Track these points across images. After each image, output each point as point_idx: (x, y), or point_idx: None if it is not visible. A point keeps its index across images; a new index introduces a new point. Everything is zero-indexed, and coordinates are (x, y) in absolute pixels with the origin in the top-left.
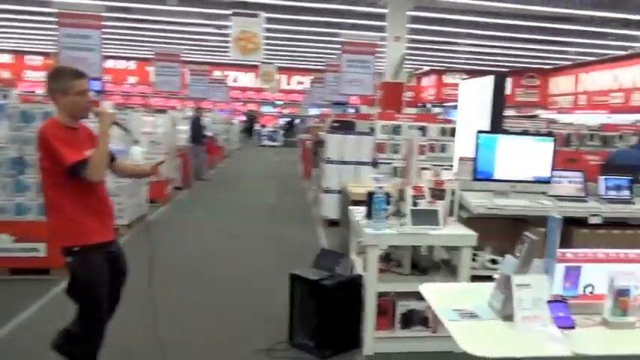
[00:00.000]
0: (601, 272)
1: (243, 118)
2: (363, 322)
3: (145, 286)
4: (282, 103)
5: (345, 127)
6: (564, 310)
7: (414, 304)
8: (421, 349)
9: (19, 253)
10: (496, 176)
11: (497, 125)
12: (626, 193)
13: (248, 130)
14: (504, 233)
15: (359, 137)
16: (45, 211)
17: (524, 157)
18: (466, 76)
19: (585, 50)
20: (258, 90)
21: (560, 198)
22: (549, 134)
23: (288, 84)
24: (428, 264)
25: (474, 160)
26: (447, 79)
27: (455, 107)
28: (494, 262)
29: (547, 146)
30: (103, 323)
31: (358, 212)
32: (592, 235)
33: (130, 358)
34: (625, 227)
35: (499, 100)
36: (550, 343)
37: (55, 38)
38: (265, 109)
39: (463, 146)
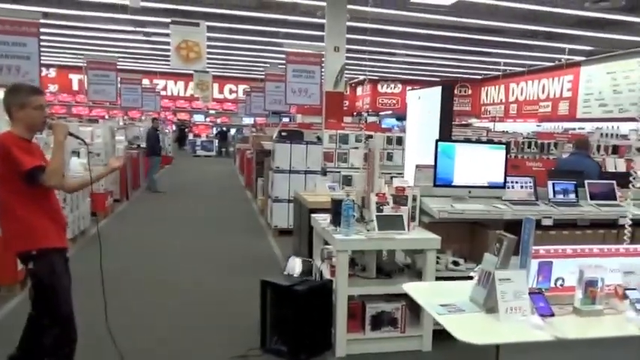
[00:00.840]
0: (569, 266)
1: (173, 127)
2: (335, 325)
3: (101, 301)
4: (214, 112)
5: (293, 136)
6: (543, 301)
7: (382, 306)
8: (391, 349)
9: None
10: (455, 182)
11: (446, 134)
12: (572, 196)
13: (180, 139)
14: (463, 236)
15: (307, 146)
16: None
17: (479, 164)
18: (400, 86)
19: (514, 61)
20: (189, 99)
21: (514, 202)
22: (501, 142)
23: (221, 93)
24: (391, 267)
25: (435, 167)
26: (382, 88)
27: (389, 116)
28: (455, 263)
29: (500, 154)
30: (74, 324)
31: (322, 219)
32: (544, 236)
33: None
34: (574, 228)
35: (447, 109)
36: (534, 330)
37: None
38: (197, 118)
39: (413, 154)
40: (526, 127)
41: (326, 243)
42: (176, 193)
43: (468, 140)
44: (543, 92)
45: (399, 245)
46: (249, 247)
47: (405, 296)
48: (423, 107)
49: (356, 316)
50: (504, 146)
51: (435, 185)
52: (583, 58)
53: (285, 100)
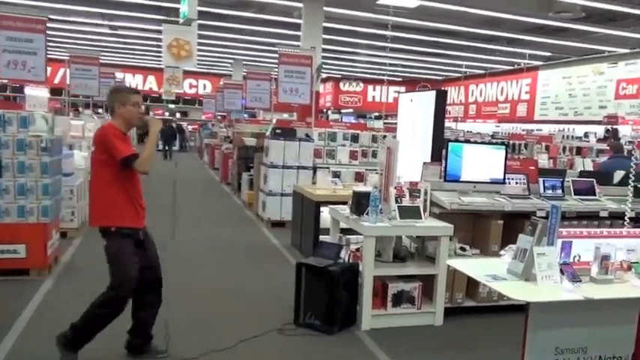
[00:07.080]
0: (585, 245)
1: None
2: (361, 302)
3: None
4: (174, 107)
5: (286, 134)
6: (572, 270)
7: (402, 286)
8: (408, 324)
9: None
10: (462, 178)
11: (440, 134)
12: (559, 191)
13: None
14: (467, 226)
15: (300, 143)
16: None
17: (483, 162)
18: (362, 84)
19: (475, 64)
20: (147, 92)
21: (511, 196)
22: (502, 143)
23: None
24: (404, 253)
25: (445, 164)
26: (344, 86)
27: (350, 114)
28: (462, 249)
29: (500, 153)
30: (128, 294)
31: (342, 210)
32: None
33: None
34: (562, 219)
35: (441, 112)
36: (566, 293)
37: None
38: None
39: (406, 152)
40: (485, 128)
41: (342, 231)
42: (153, 187)
43: (474, 141)
44: (502, 94)
45: (418, 232)
46: (247, 238)
47: (419, 277)
48: (417, 109)
49: (379, 295)
50: (504, 146)
51: (446, 180)
52: (541, 63)
53: (278, 99)
